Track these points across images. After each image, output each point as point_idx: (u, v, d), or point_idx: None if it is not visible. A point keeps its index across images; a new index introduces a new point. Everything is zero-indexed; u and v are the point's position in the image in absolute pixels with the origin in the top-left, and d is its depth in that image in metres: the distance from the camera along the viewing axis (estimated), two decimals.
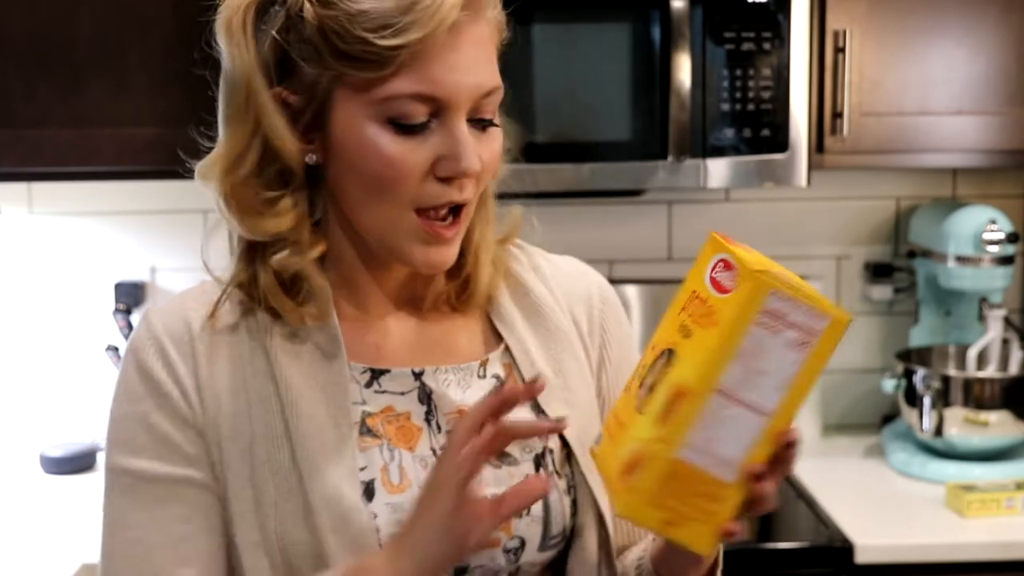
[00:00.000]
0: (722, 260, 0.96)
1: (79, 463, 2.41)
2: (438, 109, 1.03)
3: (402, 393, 1.12)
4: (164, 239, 2.55)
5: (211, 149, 1.10)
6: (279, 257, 1.08)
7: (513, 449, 1.10)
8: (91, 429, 2.50)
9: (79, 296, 2.56)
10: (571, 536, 1.14)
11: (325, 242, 1.10)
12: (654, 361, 1.01)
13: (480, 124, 1.06)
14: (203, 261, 1.12)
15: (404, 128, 1.03)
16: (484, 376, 1.15)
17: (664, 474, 0.96)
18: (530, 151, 2.12)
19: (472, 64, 1.04)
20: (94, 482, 2.35)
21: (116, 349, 2.44)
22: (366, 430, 1.09)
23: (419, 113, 1.03)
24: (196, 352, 1.09)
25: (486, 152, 1.06)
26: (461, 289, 1.17)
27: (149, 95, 2.17)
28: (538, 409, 1.15)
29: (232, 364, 1.09)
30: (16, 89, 2.16)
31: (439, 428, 1.12)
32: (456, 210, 1.07)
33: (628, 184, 2.19)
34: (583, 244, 2.61)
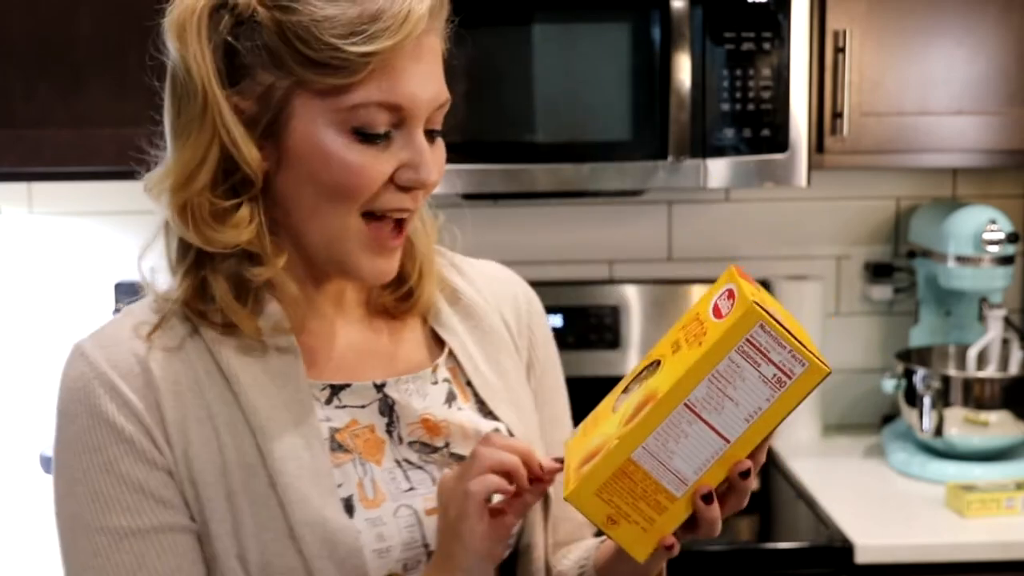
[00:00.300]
0: (728, 290, 0.99)
1: None
2: (400, 119, 1.02)
3: (363, 406, 1.10)
4: None
5: (158, 158, 1.06)
6: (253, 270, 1.04)
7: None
8: None
9: (79, 296, 2.55)
10: (520, 537, 1.14)
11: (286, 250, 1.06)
12: (642, 370, 1.04)
13: (430, 135, 1.06)
14: (143, 278, 1.08)
15: (367, 137, 1.01)
16: (436, 382, 1.15)
17: (616, 470, 0.98)
18: (530, 151, 2.12)
19: (432, 75, 1.04)
20: None
21: None
22: (337, 445, 1.07)
23: (382, 122, 1.01)
24: (152, 383, 1.03)
25: (439, 163, 1.07)
26: (401, 299, 1.16)
27: (149, 95, 2.16)
28: (485, 410, 1.15)
29: (191, 392, 1.03)
30: (16, 89, 2.15)
31: (400, 439, 1.11)
32: (400, 221, 1.06)
33: (628, 184, 2.18)
34: (583, 244, 2.62)
